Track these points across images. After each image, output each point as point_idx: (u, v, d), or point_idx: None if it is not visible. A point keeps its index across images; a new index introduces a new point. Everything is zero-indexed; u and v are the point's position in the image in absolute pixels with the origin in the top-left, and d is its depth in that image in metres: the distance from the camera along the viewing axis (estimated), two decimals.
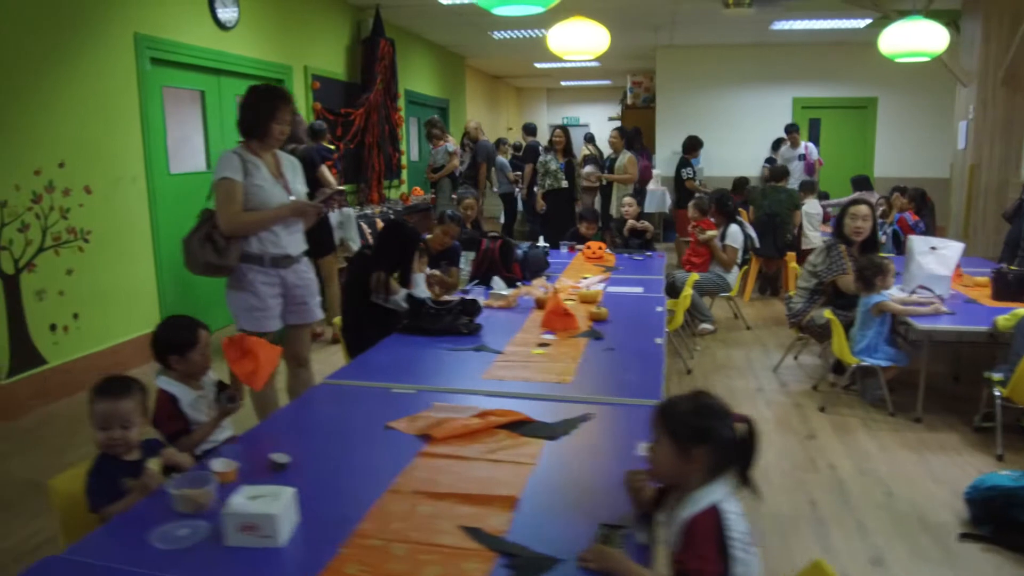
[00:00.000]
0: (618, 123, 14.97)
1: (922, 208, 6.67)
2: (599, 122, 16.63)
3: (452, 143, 7.72)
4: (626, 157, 7.69)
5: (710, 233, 5.38)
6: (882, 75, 10.35)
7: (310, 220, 3.06)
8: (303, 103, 6.77)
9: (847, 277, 4.19)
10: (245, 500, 1.57)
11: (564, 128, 7.98)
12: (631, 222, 6.10)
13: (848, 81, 10.44)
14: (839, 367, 4.32)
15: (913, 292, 4.12)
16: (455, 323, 3.32)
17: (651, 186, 9.35)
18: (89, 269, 4.36)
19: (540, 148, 9.82)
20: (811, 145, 9.41)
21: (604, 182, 7.80)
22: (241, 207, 2.87)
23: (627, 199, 6.23)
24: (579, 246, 5.64)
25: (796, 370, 4.79)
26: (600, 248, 5.45)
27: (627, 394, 2.49)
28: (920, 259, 4.28)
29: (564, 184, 7.96)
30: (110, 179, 4.51)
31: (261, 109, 2.91)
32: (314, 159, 5.24)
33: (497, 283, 4.08)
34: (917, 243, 4.33)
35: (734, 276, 5.53)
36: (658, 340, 3.28)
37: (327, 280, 5.28)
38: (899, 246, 6.58)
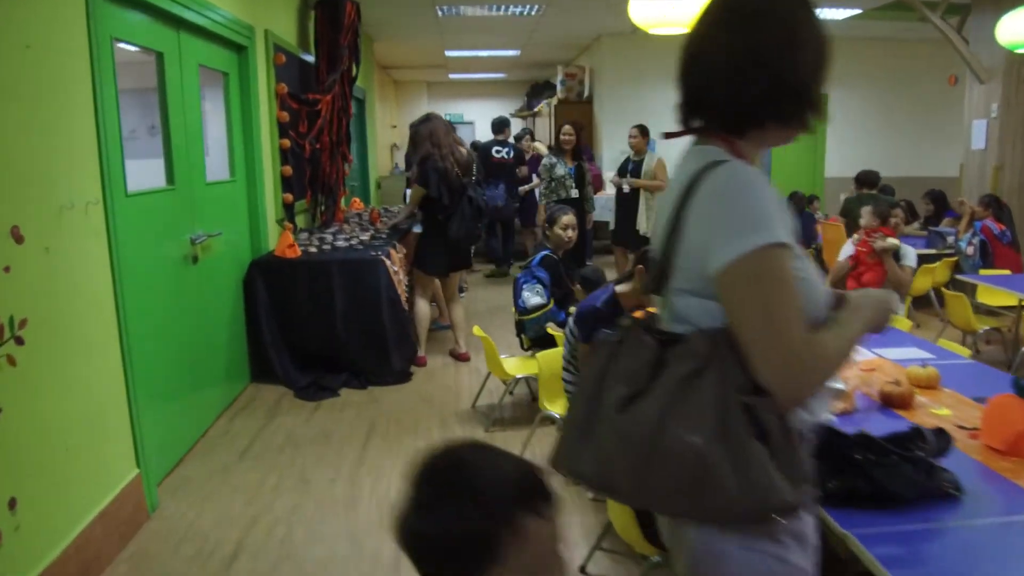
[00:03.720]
0: (518, 119, 13.59)
1: (1000, 215, 5.97)
2: (486, 119, 15.11)
3: None
4: (654, 160, 6.28)
5: (891, 241, 4.17)
6: (834, 72, 9.90)
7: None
8: (266, 85, 4.61)
9: None
10: None
11: (575, 123, 6.43)
12: None
13: None
14: None
15: None
16: (934, 480, 1.75)
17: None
18: (26, 398, 2.13)
19: (523, 150, 8.20)
20: None
21: (627, 188, 6.34)
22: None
23: None
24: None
25: None
26: None
27: None
28: None
29: (574, 193, 6.42)
30: (51, 209, 2.30)
31: (810, 66, 1.16)
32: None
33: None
34: None
35: (902, 306, 4.37)
36: None
37: (451, 298, 5.06)
38: (986, 258, 5.86)
